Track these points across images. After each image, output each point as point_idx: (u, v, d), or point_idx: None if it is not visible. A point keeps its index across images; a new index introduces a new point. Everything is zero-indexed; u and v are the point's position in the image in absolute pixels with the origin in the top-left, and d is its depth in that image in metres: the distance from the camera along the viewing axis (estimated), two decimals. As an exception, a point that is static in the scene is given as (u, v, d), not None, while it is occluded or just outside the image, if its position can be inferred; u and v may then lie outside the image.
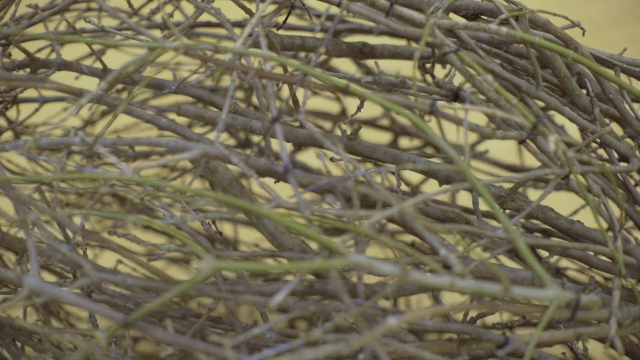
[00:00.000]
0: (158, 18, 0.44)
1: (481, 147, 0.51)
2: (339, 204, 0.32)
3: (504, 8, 0.36)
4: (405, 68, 0.53)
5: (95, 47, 0.40)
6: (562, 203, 0.46)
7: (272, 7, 0.43)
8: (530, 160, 0.48)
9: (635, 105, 0.39)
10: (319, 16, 0.43)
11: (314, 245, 0.38)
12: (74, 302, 0.30)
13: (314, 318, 0.40)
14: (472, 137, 0.53)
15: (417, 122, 0.32)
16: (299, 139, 0.37)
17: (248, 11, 0.38)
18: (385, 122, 0.50)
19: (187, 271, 0.49)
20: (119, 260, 0.39)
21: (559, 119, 0.46)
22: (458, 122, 0.33)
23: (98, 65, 0.49)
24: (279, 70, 0.37)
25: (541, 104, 0.39)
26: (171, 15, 0.43)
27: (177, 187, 0.31)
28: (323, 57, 0.45)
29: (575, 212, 0.45)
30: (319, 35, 0.42)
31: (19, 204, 0.33)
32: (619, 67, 0.39)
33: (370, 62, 0.49)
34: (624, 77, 0.40)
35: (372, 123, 0.49)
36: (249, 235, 0.49)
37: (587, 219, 0.39)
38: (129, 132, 0.49)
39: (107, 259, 0.46)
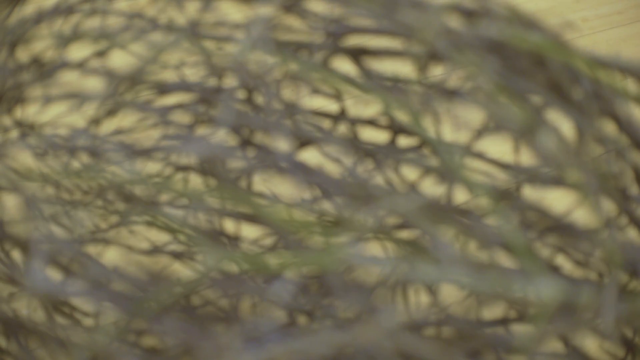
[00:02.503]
0: (162, 19, 0.45)
1: (478, 146, 0.51)
2: (338, 200, 0.32)
3: (500, 9, 0.37)
4: (404, 68, 0.53)
5: (100, 47, 0.41)
6: (559, 200, 0.47)
7: (273, 8, 0.44)
8: (527, 159, 0.49)
9: (630, 104, 0.40)
10: (318, 17, 0.44)
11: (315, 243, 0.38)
12: (78, 297, 0.31)
13: (314, 313, 0.41)
14: (469, 135, 0.53)
15: (414, 121, 0.32)
16: (300, 138, 0.38)
17: (249, 12, 0.38)
18: (383, 121, 0.50)
19: (190, 266, 0.50)
20: (123, 257, 0.40)
21: (555, 117, 0.47)
22: (455, 120, 0.33)
23: (101, 65, 0.49)
24: (279, 70, 0.38)
25: (538, 102, 0.39)
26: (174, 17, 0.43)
27: (180, 186, 0.31)
28: (322, 57, 0.46)
29: (571, 209, 0.46)
30: (319, 35, 0.43)
31: (26, 202, 0.34)
32: (614, 67, 0.40)
33: (369, 62, 0.49)
34: (619, 77, 0.41)
35: (370, 122, 0.50)
36: (251, 232, 0.50)
37: (584, 216, 0.40)
38: (134, 131, 0.50)
39: (110, 256, 0.46)
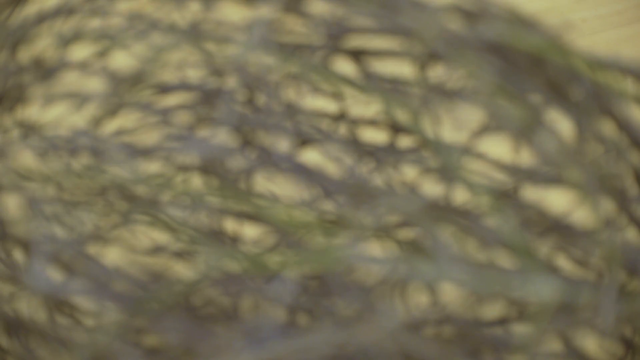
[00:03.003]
0: (163, 20, 0.45)
1: (478, 146, 0.51)
2: (339, 200, 0.32)
3: (500, 9, 0.37)
4: (404, 68, 0.53)
5: (101, 47, 0.41)
6: (559, 200, 0.47)
7: (275, 9, 0.44)
8: (526, 159, 0.49)
9: (630, 104, 0.40)
10: (319, 18, 0.44)
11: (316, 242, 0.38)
12: (79, 297, 0.31)
13: (315, 313, 0.41)
14: (469, 136, 0.53)
15: (414, 121, 0.32)
16: (300, 138, 0.38)
17: (250, 13, 0.38)
18: (383, 121, 0.50)
19: (191, 266, 0.50)
20: (124, 256, 0.40)
21: (555, 117, 0.47)
22: (455, 120, 0.33)
23: (103, 66, 0.49)
24: (280, 71, 0.38)
25: (537, 102, 0.39)
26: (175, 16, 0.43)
27: (182, 186, 0.31)
28: (322, 57, 0.46)
29: (571, 209, 0.46)
30: (319, 36, 0.43)
31: (27, 202, 0.34)
32: (614, 67, 0.40)
33: (369, 63, 0.49)
34: (619, 77, 0.41)
35: (370, 122, 0.50)
36: (251, 232, 0.50)
37: (584, 216, 0.40)
38: (135, 131, 0.50)
39: (112, 256, 0.46)
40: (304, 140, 0.38)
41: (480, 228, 0.35)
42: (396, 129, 0.51)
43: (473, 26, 0.36)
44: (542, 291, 0.30)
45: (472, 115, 0.47)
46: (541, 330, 0.34)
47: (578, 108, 0.39)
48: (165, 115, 0.37)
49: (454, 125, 0.44)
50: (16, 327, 0.37)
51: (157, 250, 0.43)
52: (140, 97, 0.47)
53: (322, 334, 0.29)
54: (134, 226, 0.50)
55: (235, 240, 0.51)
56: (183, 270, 0.51)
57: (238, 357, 0.29)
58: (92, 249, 0.40)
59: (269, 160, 0.34)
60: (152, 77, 0.39)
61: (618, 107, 0.39)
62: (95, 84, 0.49)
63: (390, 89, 0.39)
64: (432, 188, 0.46)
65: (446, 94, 0.38)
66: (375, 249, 0.55)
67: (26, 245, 0.36)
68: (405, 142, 0.51)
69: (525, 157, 0.51)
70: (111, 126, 0.48)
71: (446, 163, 0.35)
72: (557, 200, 0.48)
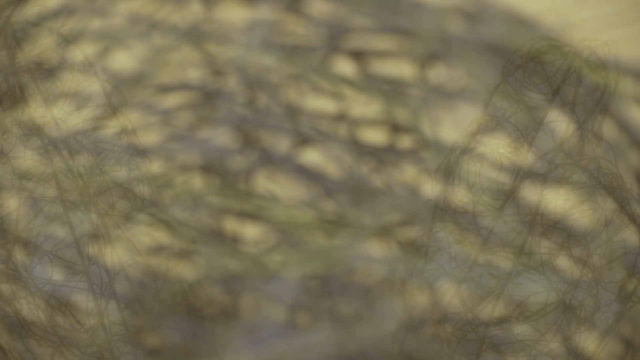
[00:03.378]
0: (165, 20, 0.45)
1: (478, 146, 0.51)
2: (339, 200, 0.32)
3: (499, 10, 0.37)
4: (404, 69, 0.53)
5: (101, 47, 0.41)
6: (559, 200, 0.47)
7: (276, 10, 0.44)
8: (526, 159, 0.49)
9: (629, 104, 0.40)
10: (319, 18, 0.44)
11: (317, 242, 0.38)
12: (80, 297, 0.31)
13: (315, 313, 0.41)
14: (469, 136, 0.53)
15: (414, 121, 0.32)
16: (300, 138, 0.38)
17: (252, 13, 0.38)
18: (383, 121, 0.50)
19: (192, 266, 0.50)
20: (125, 256, 0.40)
21: (555, 117, 0.47)
22: (454, 121, 0.33)
23: (104, 66, 0.49)
24: (281, 71, 0.38)
25: (537, 102, 0.39)
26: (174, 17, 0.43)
27: (183, 186, 0.31)
28: (321, 57, 0.46)
29: (571, 209, 0.46)
30: (320, 36, 0.43)
31: (28, 202, 0.34)
32: (614, 67, 0.40)
33: (369, 63, 0.49)
34: (618, 77, 0.41)
35: (371, 123, 0.50)
36: (252, 231, 0.50)
37: (584, 216, 0.40)
38: (136, 131, 0.50)
39: (113, 256, 0.46)
40: (304, 141, 0.38)
41: (480, 228, 0.35)
42: (396, 129, 0.51)
43: (473, 26, 0.36)
44: (541, 291, 0.30)
45: (472, 115, 0.47)
46: (541, 330, 0.34)
47: (578, 108, 0.39)
48: (166, 115, 0.37)
49: (454, 126, 0.44)
50: (17, 327, 0.37)
51: (158, 250, 0.43)
52: (142, 97, 0.47)
53: (322, 334, 0.29)
54: (135, 226, 0.50)
55: (235, 240, 0.51)
56: (184, 270, 0.51)
57: (238, 356, 0.29)
58: (93, 249, 0.40)
59: (269, 160, 0.34)
60: (153, 77, 0.39)
61: (618, 107, 0.39)
62: (95, 84, 0.49)
63: (390, 89, 0.39)
64: (432, 188, 0.46)
65: (446, 94, 0.38)
66: (375, 249, 0.55)
67: (27, 245, 0.36)
68: (405, 142, 0.51)
69: (525, 157, 0.51)
70: (112, 126, 0.48)
71: (446, 163, 0.35)
72: (557, 200, 0.48)
